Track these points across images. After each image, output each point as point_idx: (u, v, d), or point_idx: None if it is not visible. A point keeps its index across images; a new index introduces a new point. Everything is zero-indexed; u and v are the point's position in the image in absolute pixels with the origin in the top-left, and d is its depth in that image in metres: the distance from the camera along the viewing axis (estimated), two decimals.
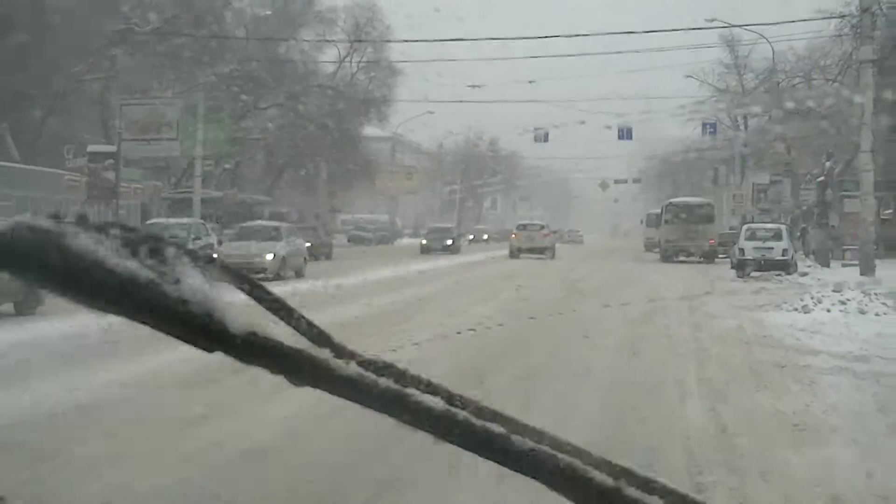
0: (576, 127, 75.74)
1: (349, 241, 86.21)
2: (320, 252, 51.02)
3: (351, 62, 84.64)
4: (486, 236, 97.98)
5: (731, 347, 17.83)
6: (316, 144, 78.84)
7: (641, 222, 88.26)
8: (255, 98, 73.62)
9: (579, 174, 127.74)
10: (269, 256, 35.67)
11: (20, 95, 58.46)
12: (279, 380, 1.16)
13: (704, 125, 69.96)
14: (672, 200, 61.00)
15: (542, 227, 64.18)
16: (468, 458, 1.21)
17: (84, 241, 1.07)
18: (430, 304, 25.58)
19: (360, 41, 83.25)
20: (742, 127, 77.99)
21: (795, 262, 42.42)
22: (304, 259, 40.37)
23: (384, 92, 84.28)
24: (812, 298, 25.20)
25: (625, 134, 65.49)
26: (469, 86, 67.34)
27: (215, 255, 33.65)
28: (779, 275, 40.56)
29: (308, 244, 46.16)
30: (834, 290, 25.60)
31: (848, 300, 24.65)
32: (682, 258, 57.49)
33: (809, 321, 21.93)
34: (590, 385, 13.21)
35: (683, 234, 57.03)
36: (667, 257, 57.52)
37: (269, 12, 74.43)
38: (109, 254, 1.07)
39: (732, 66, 77.04)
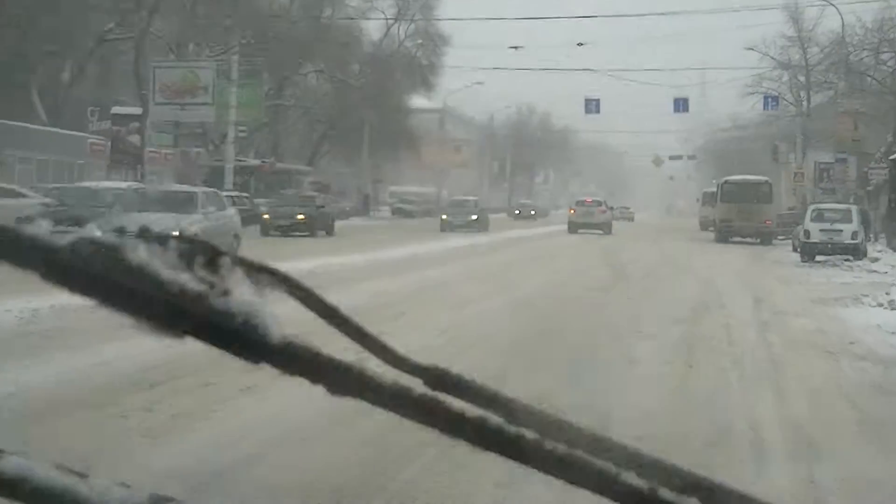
0: (630, 98, 71.67)
1: (393, 213, 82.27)
2: (315, 226, 46.33)
3: (399, 29, 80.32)
4: (532, 211, 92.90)
5: (813, 360, 13.67)
6: (359, 113, 74.79)
7: (697, 200, 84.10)
8: (296, 64, 69.59)
9: (633, 149, 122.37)
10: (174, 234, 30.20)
11: (47, 53, 54.83)
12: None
13: (766, 98, 65.20)
14: (728, 178, 56.52)
15: (600, 204, 63.79)
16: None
17: (142, 255, 1.08)
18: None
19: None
20: (805, 102, 73.13)
21: (866, 247, 37.97)
22: (236, 236, 30.04)
23: (432, 60, 79.92)
24: None
25: (681, 106, 60.80)
26: (511, 47, 62.75)
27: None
28: (847, 260, 36.32)
29: (301, 217, 45.23)
30: None
31: None
32: (737, 239, 53.24)
33: None
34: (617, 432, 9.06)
35: (739, 213, 52.71)
36: (722, 237, 53.32)
37: None
38: (163, 267, 1.08)
39: (796, 38, 72.13)
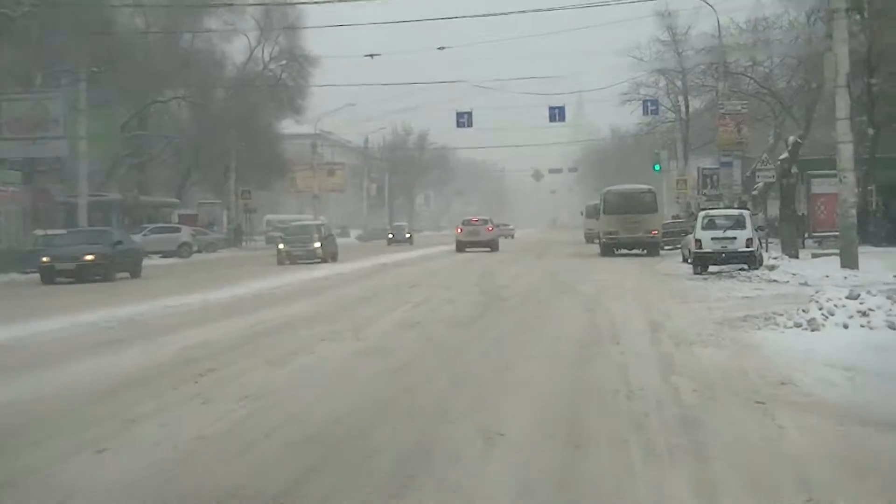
0: (504, 111, 68.47)
1: (268, 242, 78.02)
2: (112, 268, 37.10)
3: (262, 52, 76.29)
4: (407, 234, 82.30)
5: (740, 417, 10.08)
6: (224, 140, 70.67)
7: (581, 214, 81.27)
8: (154, 92, 65.27)
9: (512, 164, 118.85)
10: None
11: None
12: None
13: (645, 103, 62.20)
14: (610, 188, 53.36)
15: (486, 222, 63.38)
16: None
17: None
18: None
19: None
20: (683, 107, 70.46)
21: (761, 255, 34.81)
22: None
23: (299, 82, 75.96)
24: (819, 308, 17.37)
25: (557, 115, 57.21)
26: (368, 55, 58.83)
27: None
28: (743, 269, 33.25)
29: (90, 257, 36.04)
30: (849, 297, 17.73)
31: (870, 310, 16.95)
32: (623, 251, 50.23)
33: (832, 347, 14.29)
34: None
35: (624, 224, 49.66)
36: (607, 251, 50.31)
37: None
38: None
39: (670, 42, 69.49)
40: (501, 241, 66.72)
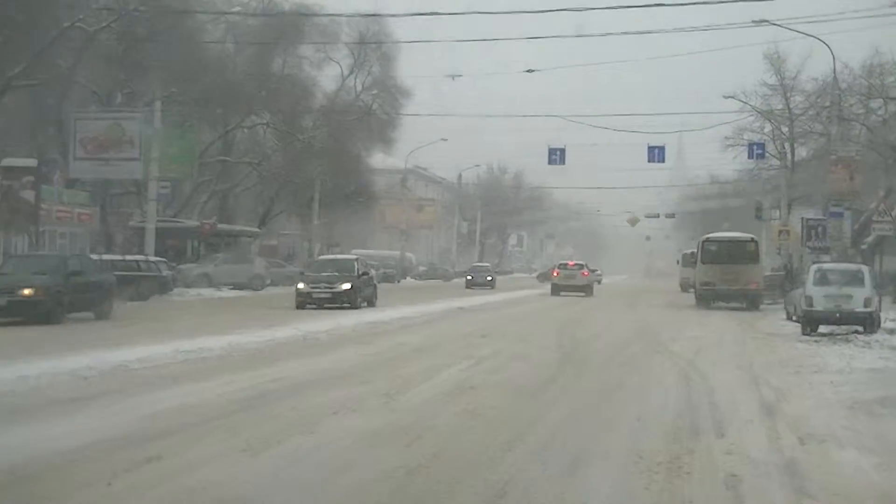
0: (600, 149, 64.49)
1: None
2: (59, 304, 28.41)
3: (355, 81, 73.04)
4: (489, 277, 72.96)
5: None
6: (310, 169, 67.43)
7: (678, 262, 76.90)
8: (239, 116, 62.22)
9: (607, 207, 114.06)
10: None
11: None
12: None
13: (751, 147, 57.56)
14: (709, 236, 49.13)
15: (583, 267, 62.92)
16: None
17: None
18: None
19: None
20: (789, 154, 65.81)
21: (879, 316, 30.40)
22: None
23: (390, 114, 72.57)
24: None
25: (657, 155, 52.82)
26: (449, 76, 55.40)
27: None
28: (857, 332, 28.91)
29: (28, 291, 27.33)
30: None
31: None
32: (721, 304, 45.91)
33: None
34: None
35: (723, 275, 45.42)
36: (704, 302, 46.03)
37: (253, 19, 62.50)
38: None
39: (778, 86, 64.91)
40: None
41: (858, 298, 29.40)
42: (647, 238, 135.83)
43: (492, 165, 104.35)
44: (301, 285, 38.48)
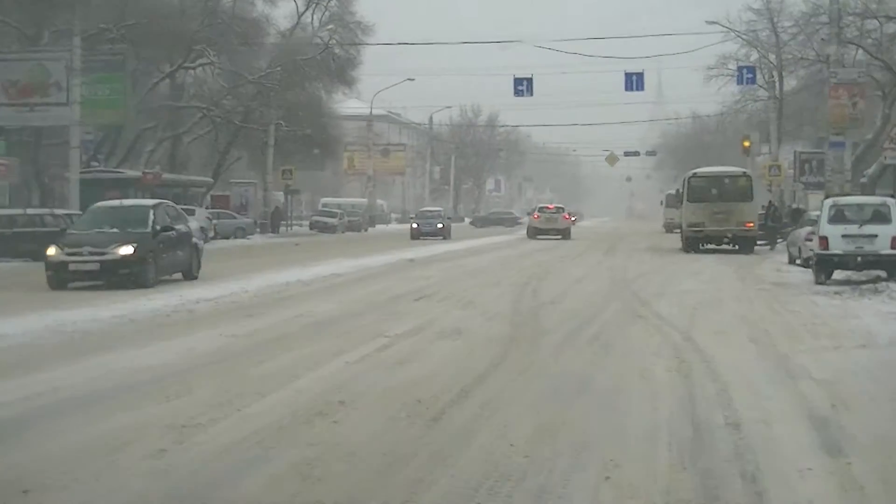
0: (572, 80, 58.55)
1: (311, 227, 68.54)
2: None
3: (312, 17, 66.59)
4: (440, 224, 57.67)
5: None
6: (266, 114, 61.41)
7: (661, 203, 71.43)
8: (181, 56, 55.98)
9: (584, 149, 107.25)
10: None
11: None
12: None
13: (741, 71, 50.96)
14: (697, 171, 42.97)
15: (563, 210, 60.18)
16: None
17: None
18: None
19: None
20: (777, 83, 59.73)
21: None
22: None
23: (350, 52, 66.18)
24: None
25: (634, 83, 46.34)
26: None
27: None
28: (878, 277, 23.41)
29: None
30: None
31: None
32: (710, 247, 40.28)
33: None
34: None
35: (713, 215, 39.64)
36: (691, 246, 40.32)
37: None
38: None
39: (764, 10, 58.79)
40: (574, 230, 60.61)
41: (884, 238, 23.71)
42: (628, 179, 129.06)
43: (465, 107, 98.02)
44: (53, 251, 23.34)
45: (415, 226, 57.28)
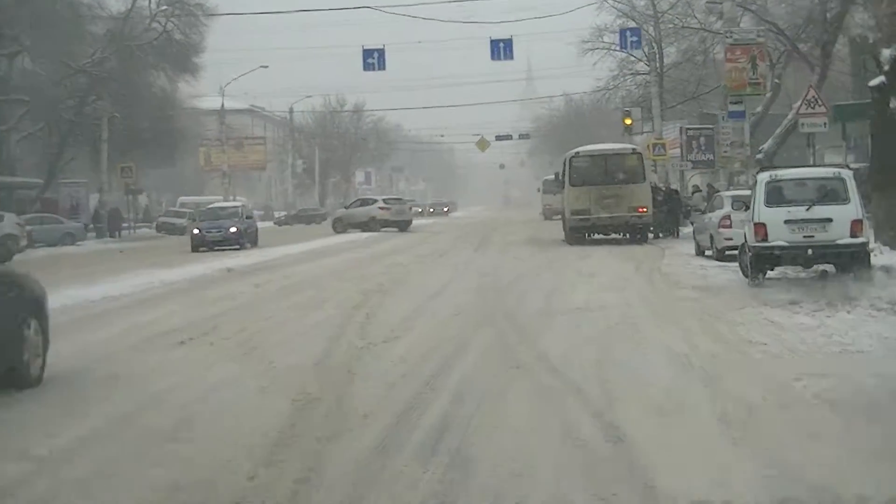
0: (431, 51, 51.76)
1: (158, 230, 60.66)
2: None
3: (150, 2, 58.58)
4: (233, 228, 38.88)
5: None
6: (98, 107, 53.66)
7: (539, 190, 65.52)
8: None
9: (453, 134, 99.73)
10: None
11: None
12: None
13: (623, 34, 44.04)
14: (579, 150, 36.21)
15: (400, 201, 57.37)
16: None
17: None
18: None
19: None
20: (658, 56, 53.38)
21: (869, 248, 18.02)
22: None
23: (192, 37, 58.46)
24: None
25: (502, 51, 39.05)
26: None
27: None
28: (824, 271, 17.23)
29: None
30: None
31: None
32: (598, 236, 34.23)
33: None
34: None
35: (600, 200, 33.26)
36: (576, 237, 33.80)
37: None
38: None
39: None
40: (438, 224, 58.02)
41: (841, 222, 17.14)
42: (501, 166, 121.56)
43: (328, 96, 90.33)
44: None
45: (196, 231, 39.23)
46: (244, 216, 40.97)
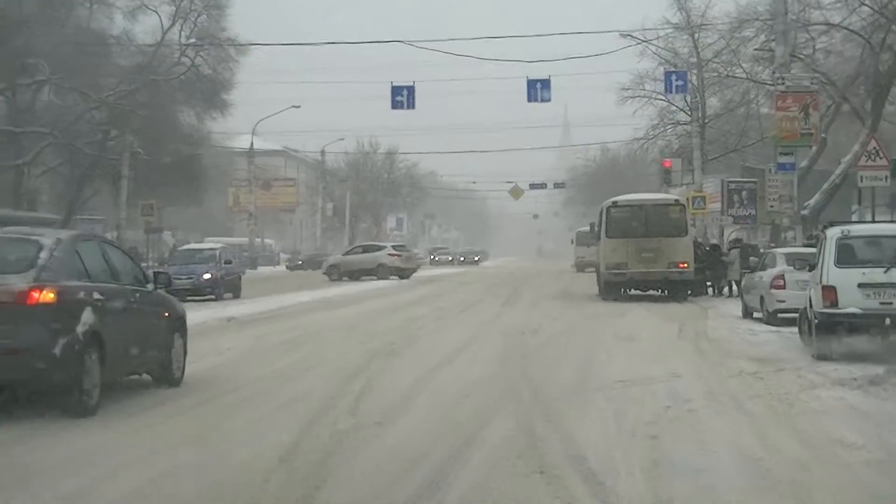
0: (467, 90, 49.50)
1: None
2: None
3: (180, 33, 56.56)
4: (207, 274, 34.05)
5: None
6: (121, 141, 51.60)
7: (572, 242, 63.26)
8: (12, 72, 46.15)
9: (486, 181, 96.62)
10: None
11: None
12: None
13: (668, 77, 41.17)
14: (618, 199, 33.68)
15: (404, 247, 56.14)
16: None
17: None
18: None
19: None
20: (700, 104, 50.82)
21: None
22: None
23: (223, 73, 56.44)
24: None
25: (539, 93, 36.05)
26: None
27: None
28: None
29: None
30: None
31: None
32: (634, 292, 31.87)
33: None
34: None
35: (639, 253, 30.70)
36: (612, 292, 31.20)
37: None
38: None
39: (684, 24, 50.06)
40: (469, 273, 55.66)
41: None
42: (535, 216, 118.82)
43: (361, 140, 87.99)
44: None
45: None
46: (222, 261, 35.47)
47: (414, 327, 20.70)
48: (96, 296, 10.49)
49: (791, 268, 20.92)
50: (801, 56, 38.95)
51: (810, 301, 15.62)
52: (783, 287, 21.12)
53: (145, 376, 12.25)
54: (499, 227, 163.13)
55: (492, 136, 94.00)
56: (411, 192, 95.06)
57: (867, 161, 25.50)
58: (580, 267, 60.33)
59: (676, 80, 37.57)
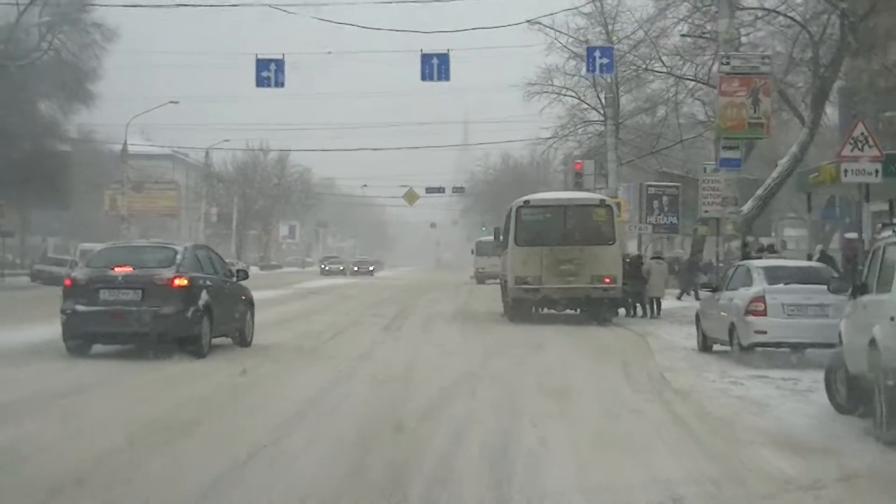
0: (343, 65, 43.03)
1: (33, 279, 50.79)
2: None
3: (39, 15, 49.11)
4: None
5: None
6: None
7: (472, 252, 57.73)
8: None
9: (381, 185, 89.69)
10: None
11: None
12: None
13: (590, 53, 34.24)
14: (530, 198, 27.09)
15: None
16: None
17: None
18: None
19: None
20: (615, 99, 44.62)
21: None
22: None
23: (90, 64, 49.30)
24: None
25: (436, 71, 28.88)
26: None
27: None
28: None
29: None
30: None
31: None
32: (548, 310, 25.62)
33: None
34: None
35: (556, 264, 24.28)
36: (520, 312, 24.93)
37: None
38: None
39: (597, 14, 43.82)
40: (358, 285, 50.74)
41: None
42: (433, 225, 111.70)
43: (249, 141, 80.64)
44: None
45: None
46: None
47: (240, 375, 13.66)
48: (208, 283, 16.33)
49: (777, 286, 14.85)
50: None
51: (841, 339, 9.30)
52: (763, 313, 14.85)
53: (227, 340, 17.24)
54: (397, 237, 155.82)
55: (390, 137, 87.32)
56: (303, 198, 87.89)
57: (851, 150, 19.26)
58: (480, 279, 56.51)
59: (601, 57, 31.00)
